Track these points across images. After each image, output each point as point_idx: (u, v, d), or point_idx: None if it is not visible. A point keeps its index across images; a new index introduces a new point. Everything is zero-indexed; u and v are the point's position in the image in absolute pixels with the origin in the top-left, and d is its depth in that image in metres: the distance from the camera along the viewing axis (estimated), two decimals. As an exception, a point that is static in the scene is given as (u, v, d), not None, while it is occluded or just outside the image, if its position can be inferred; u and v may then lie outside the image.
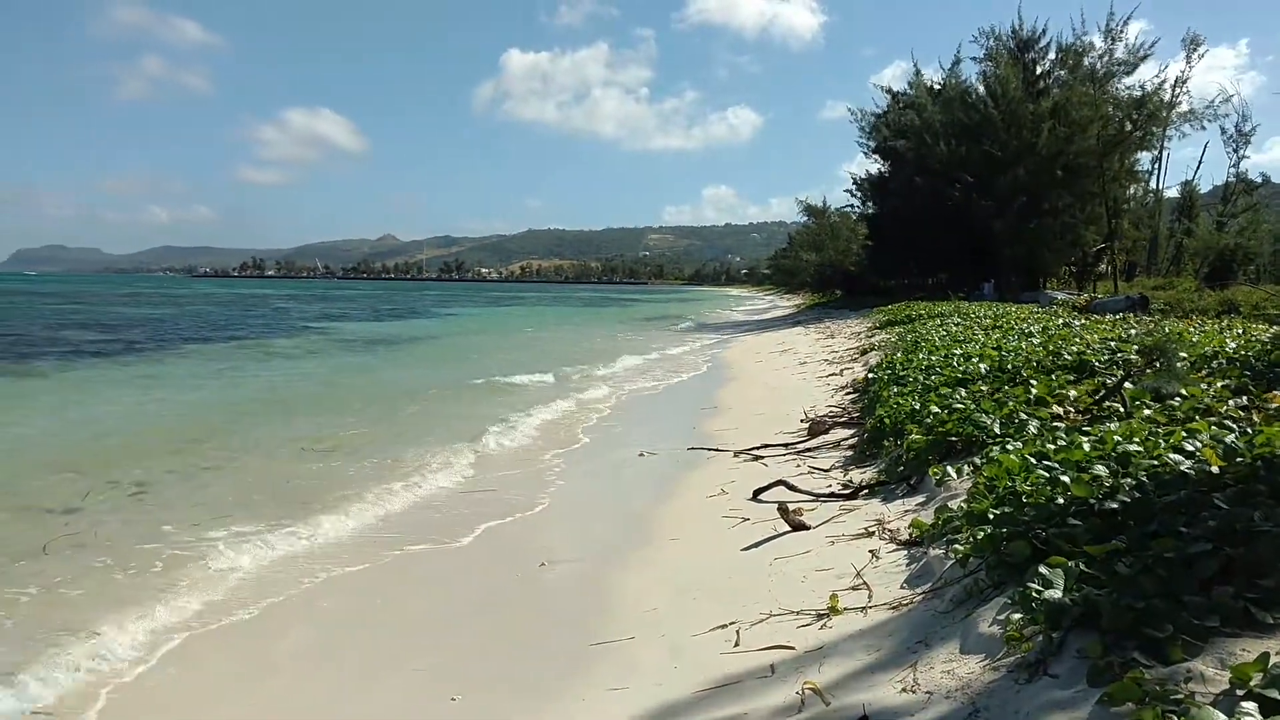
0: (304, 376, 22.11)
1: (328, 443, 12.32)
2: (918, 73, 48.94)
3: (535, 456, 11.49)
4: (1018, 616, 3.57)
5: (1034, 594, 3.59)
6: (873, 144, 52.06)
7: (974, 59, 45.36)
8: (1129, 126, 39.83)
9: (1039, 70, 43.39)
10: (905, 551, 5.65)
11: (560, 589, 6.50)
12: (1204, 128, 41.17)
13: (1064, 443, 5.96)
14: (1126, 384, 7.90)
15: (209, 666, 5.33)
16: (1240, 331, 12.63)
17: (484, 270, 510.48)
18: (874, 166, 54.97)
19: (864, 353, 20.26)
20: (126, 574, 6.80)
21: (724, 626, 5.06)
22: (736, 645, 4.76)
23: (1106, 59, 39.84)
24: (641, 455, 11.26)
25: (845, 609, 4.87)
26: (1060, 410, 7.86)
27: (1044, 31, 43.48)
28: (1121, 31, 39.05)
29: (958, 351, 12.67)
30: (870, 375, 13.45)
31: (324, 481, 9.90)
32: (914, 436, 7.98)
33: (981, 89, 43.68)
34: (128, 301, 74.79)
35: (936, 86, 47.62)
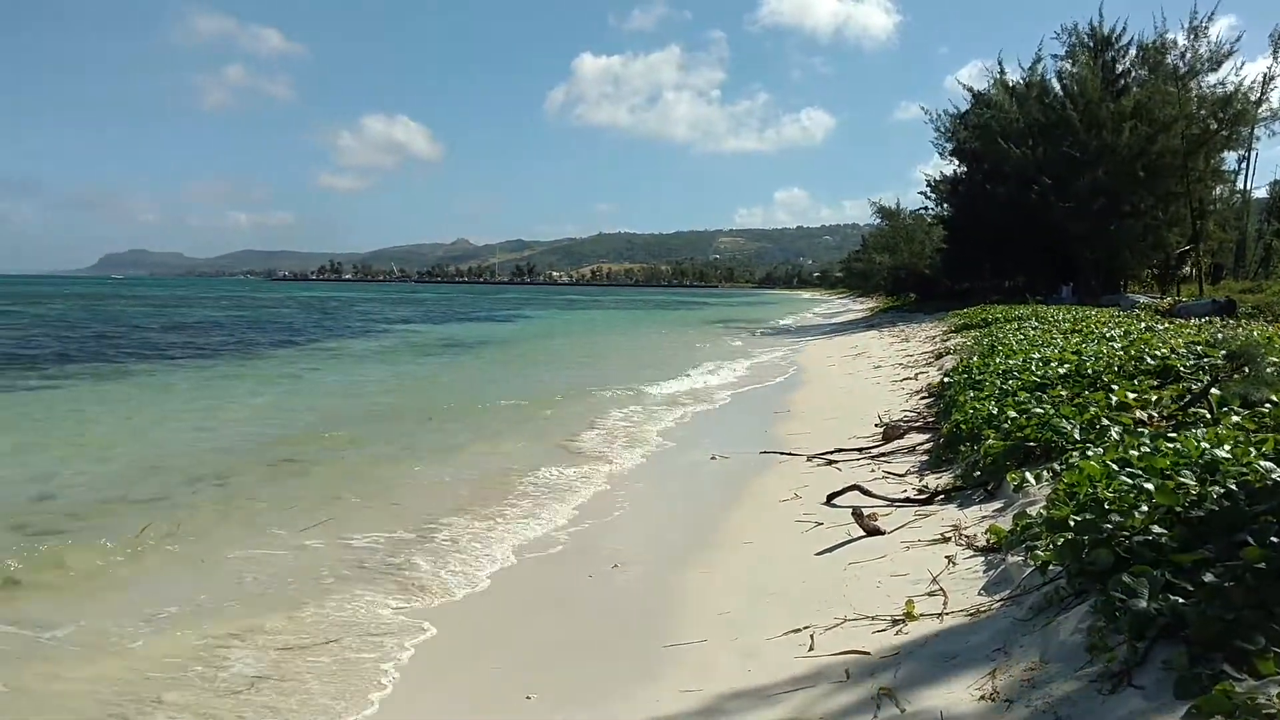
0: (396, 378, 22.54)
1: (421, 444, 12.55)
2: (1002, 71, 47.98)
3: (609, 458, 11.55)
4: (1101, 625, 3.50)
5: (1118, 603, 3.52)
6: (949, 145, 51.26)
7: (1054, 56, 44.45)
8: (1214, 125, 38.66)
9: (1119, 69, 42.34)
10: (983, 558, 5.57)
11: (633, 590, 6.53)
12: (1294, 126, 39.78)
13: (1148, 449, 5.82)
14: (1213, 390, 7.69)
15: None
16: (1334, 336, 12.20)
17: (555, 274, 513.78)
18: (949, 168, 54.17)
19: (939, 357, 19.99)
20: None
21: (798, 630, 5.05)
22: (810, 649, 4.75)
23: (1189, 56, 38.77)
24: (714, 459, 11.25)
25: (921, 615, 4.82)
26: (1143, 416, 7.68)
27: (1125, 29, 42.44)
28: (1205, 28, 37.98)
29: (1036, 356, 12.44)
30: (946, 379, 13.27)
31: (423, 484, 10.08)
32: (991, 442, 7.86)
33: (1059, 88, 42.76)
34: (211, 304, 76.76)
35: (1016, 85, 46.67)
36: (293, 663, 5.29)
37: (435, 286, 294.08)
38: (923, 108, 51.87)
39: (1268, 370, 8.20)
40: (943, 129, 51.25)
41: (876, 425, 11.77)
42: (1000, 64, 47.83)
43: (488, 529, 8.15)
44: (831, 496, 8.15)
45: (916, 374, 17.94)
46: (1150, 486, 4.77)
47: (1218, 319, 19.84)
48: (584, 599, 6.41)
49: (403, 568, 7.02)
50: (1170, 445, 5.73)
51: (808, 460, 10.41)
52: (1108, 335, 14.84)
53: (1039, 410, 8.33)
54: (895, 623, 4.82)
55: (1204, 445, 5.55)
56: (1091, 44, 42.34)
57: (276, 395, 18.88)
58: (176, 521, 8.36)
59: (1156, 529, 4.17)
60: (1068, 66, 42.33)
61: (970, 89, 49.93)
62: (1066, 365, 10.84)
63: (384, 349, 32.98)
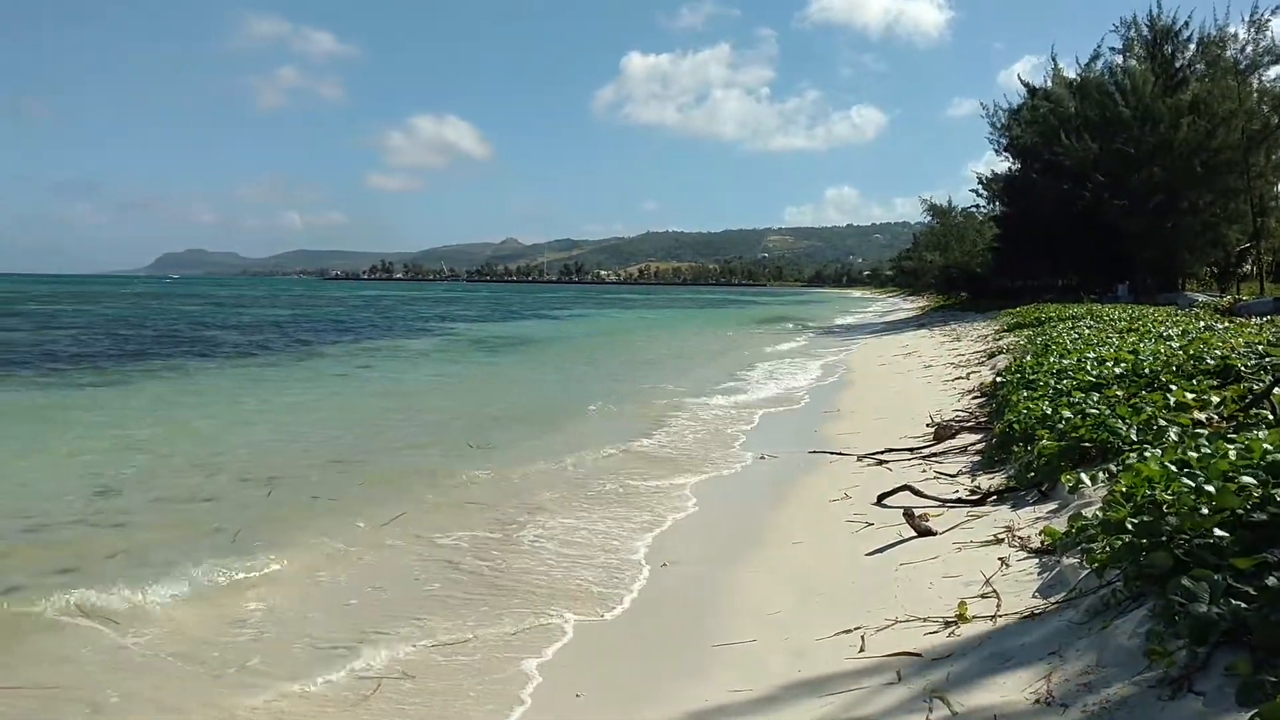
0: (456, 377, 22.74)
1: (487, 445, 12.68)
2: (1055, 67, 47.30)
3: (656, 458, 11.55)
4: (1160, 630, 3.44)
5: (1178, 607, 3.45)
6: (1004, 141, 50.63)
7: (1111, 49, 43.73)
8: (1276, 120, 37.82)
9: (1178, 63, 41.53)
10: (1037, 560, 5.49)
11: (682, 590, 6.52)
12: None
13: (1207, 451, 5.70)
14: (1275, 390, 7.52)
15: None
16: (1402, 335, 11.87)
17: (603, 273, 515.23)
18: (1002, 165, 53.53)
19: (991, 356, 19.75)
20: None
21: (848, 631, 5.01)
22: (861, 650, 4.71)
23: (1250, 50, 37.97)
24: (762, 458, 11.22)
25: (974, 617, 4.76)
26: (1202, 417, 7.51)
27: (1186, 23, 41.58)
28: (1267, 21, 37.17)
29: (1091, 355, 12.23)
30: (998, 379, 13.11)
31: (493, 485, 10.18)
32: (1045, 442, 7.74)
33: (1115, 83, 42.05)
34: (270, 303, 77.97)
35: (1072, 80, 45.95)
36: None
37: (485, 285, 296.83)
38: (981, 103, 51.16)
39: (1333, 370, 8.01)
40: (998, 124, 50.66)
41: (927, 425, 11.66)
42: (1054, 59, 47.18)
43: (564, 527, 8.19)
44: (882, 496, 8.08)
45: (968, 373, 17.74)
46: (1211, 489, 4.67)
47: (1280, 318, 19.39)
48: (634, 598, 6.41)
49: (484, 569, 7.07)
50: (1231, 447, 5.61)
51: (858, 460, 10.34)
52: (1165, 334, 14.57)
53: (1094, 410, 8.19)
54: (947, 624, 4.76)
55: (1267, 447, 5.42)
56: (1150, 38, 41.62)
57: (349, 392, 19.17)
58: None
59: (1218, 532, 4.08)
60: (1124, 61, 41.65)
61: (1027, 84, 49.28)
62: (1123, 365, 10.65)
63: (444, 347, 33.33)
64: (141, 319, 48.23)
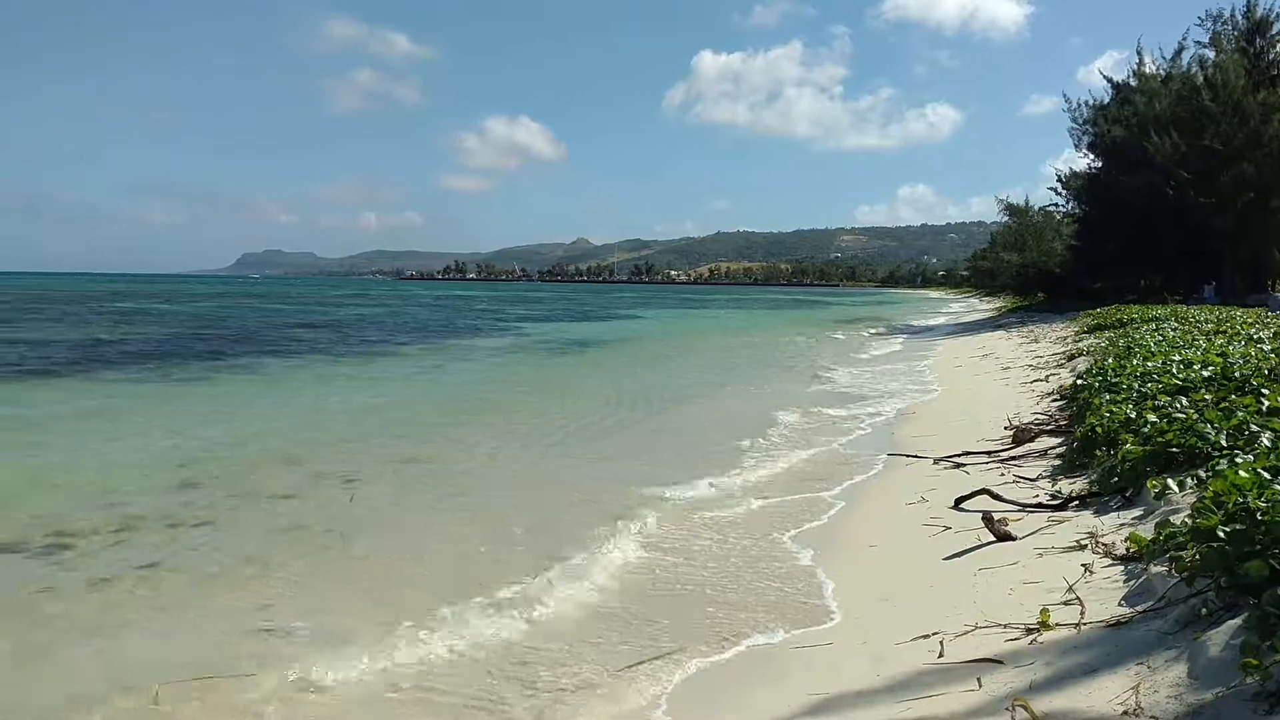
0: (535, 376, 22.98)
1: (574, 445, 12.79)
2: (1140, 61, 46.09)
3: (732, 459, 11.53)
4: (1255, 642, 3.33)
5: (1274, 618, 3.35)
6: (1086, 138, 49.49)
7: (1197, 43, 42.49)
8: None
9: (1270, 56, 40.20)
10: (1122, 567, 5.37)
11: (761, 591, 6.49)
12: None
13: (1303, 457, 5.51)
14: (1375, 395, 7.25)
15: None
16: None
17: (673, 273, 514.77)
18: (1082, 162, 52.35)
19: (1071, 358, 19.34)
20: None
21: (927, 636, 4.95)
22: (941, 656, 4.65)
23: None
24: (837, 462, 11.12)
25: (1056, 624, 4.66)
26: (1297, 422, 7.27)
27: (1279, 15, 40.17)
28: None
29: (1176, 358, 11.91)
30: (1079, 381, 12.81)
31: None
32: (1129, 447, 7.55)
33: (1201, 78, 40.83)
34: (347, 303, 79.47)
35: (1156, 75, 44.73)
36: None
37: (556, 285, 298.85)
38: (1064, 95, 50.17)
39: None
40: (1080, 120, 49.55)
41: (1005, 428, 11.46)
42: (1139, 53, 45.96)
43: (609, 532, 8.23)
44: (960, 500, 7.96)
45: (1047, 375, 17.39)
46: (1307, 496, 4.52)
47: (1377, 320, 18.67)
48: (711, 598, 6.40)
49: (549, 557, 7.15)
50: (1328, 453, 5.42)
51: (934, 463, 10.20)
52: (1256, 337, 14.13)
53: (1181, 414, 7.97)
54: (1029, 631, 4.67)
55: (1366, 454, 5.24)
56: (1242, 30, 40.35)
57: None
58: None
59: (1316, 542, 3.95)
60: (1212, 55, 40.42)
61: (1110, 79, 48.12)
62: (1211, 368, 10.35)
63: (516, 346, 33.65)
64: (231, 318, 49.56)
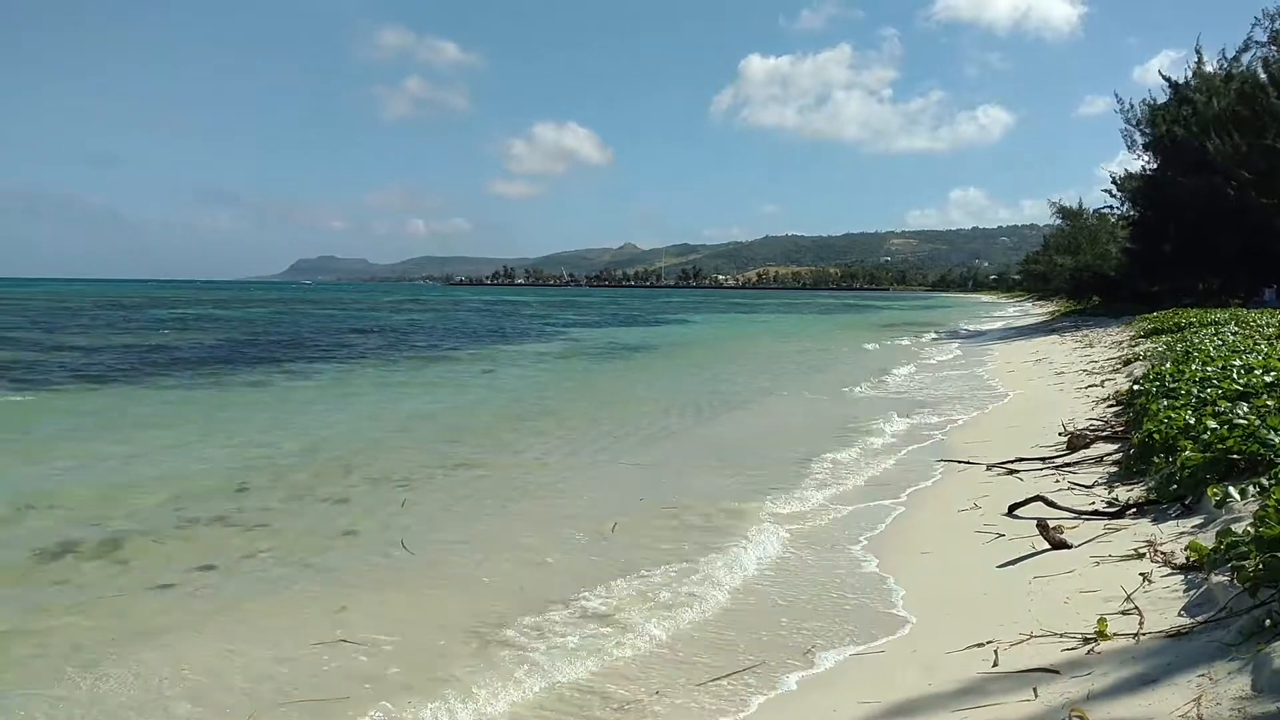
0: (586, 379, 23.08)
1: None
2: (1199, 60, 45.16)
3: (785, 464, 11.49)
4: (1322, 654, 3.26)
5: (1341, 630, 3.27)
6: (1141, 139, 48.60)
7: (1258, 42, 41.56)
8: None
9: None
10: (1181, 576, 5.27)
11: (812, 598, 6.46)
12: None
13: (1370, 465, 5.39)
14: None
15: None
16: None
17: (721, 277, 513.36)
18: (1136, 164, 51.40)
19: (1127, 363, 19.02)
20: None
21: (980, 645, 4.89)
22: (995, 665, 4.59)
23: None
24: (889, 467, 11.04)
25: (1114, 634, 4.58)
26: (1364, 429, 7.10)
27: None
28: None
29: (1237, 363, 11.67)
30: (1136, 387, 12.60)
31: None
32: (1188, 454, 7.41)
33: (1265, 77, 39.91)
34: (398, 308, 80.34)
35: (1215, 74, 43.80)
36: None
37: (605, 290, 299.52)
38: (1116, 95, 49.09)
39: None
40: (1134, 121, 48.68)
41: (1060, 434, 11.29)
42: (1198, 51, 45.02)
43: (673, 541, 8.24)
44: (1013, 507, 7.87)
45: (1102, 381, 17.12)
46: (1375, 505, 4.41)
47: None
48: (762, 608, 6.38)
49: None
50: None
51: (987, 469, 10.08)
52: (1319, 341, 13.81)
53: (1242, 420, 7.81)
54: (1086, 641, 4.60)
55: None
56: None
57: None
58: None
59: (1384, 552, 3.85)
60: (1273, 52, 39.53)
61: (1168, 78, 47.22)
62: (1273, 373, 10.13)
63: (566, 351, 33.80)
64: (284, 323, 50.36)
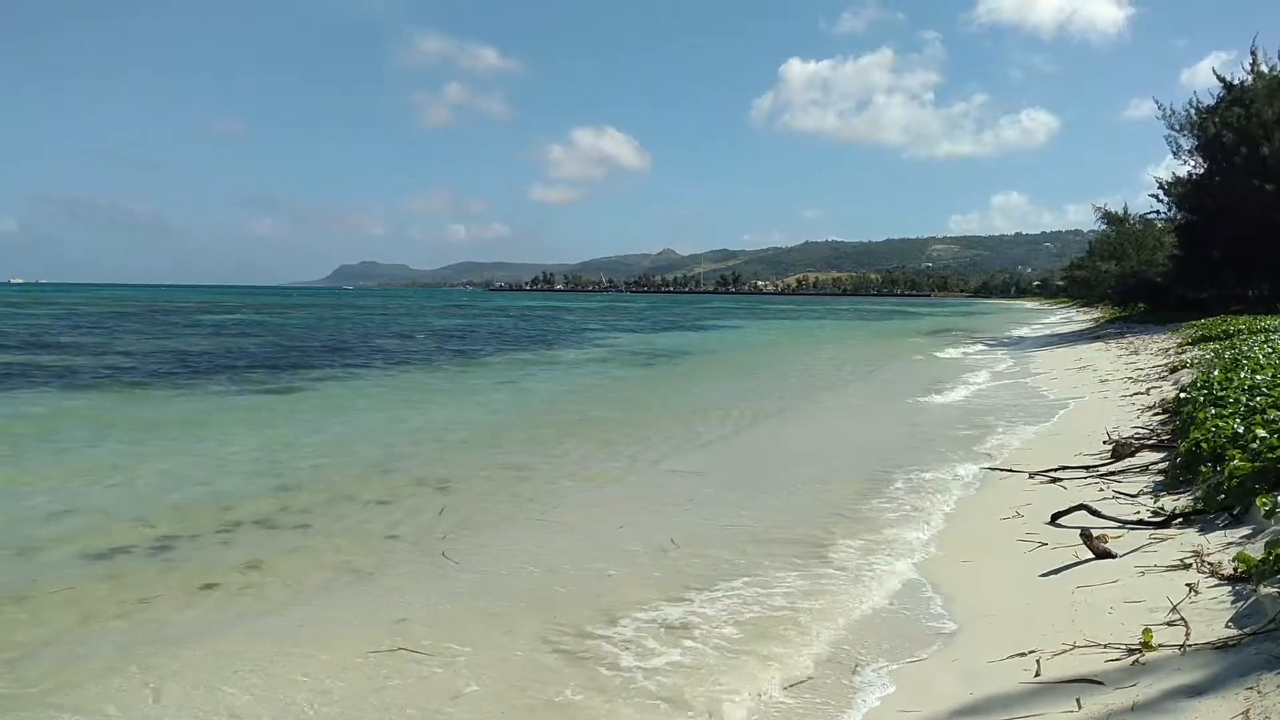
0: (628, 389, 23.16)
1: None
2: (1254, 61, 44.39)
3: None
4: (1373, 667, 3.20)
5: (1393, 643, 3.21)
6: (1186, 144, 47.80)
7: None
8: None
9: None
10: (1229, 587, 5.18)
11: (850, 605, 6.43)
12: None
13: None
14: None
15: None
16: None
17: (760, 283, 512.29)
18: (1183, 168, 50.54)
19: (1173, 370, 18.74)
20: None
21: (1023, 655, 4.84)
22: (1037, 675, 4.55)
23: None
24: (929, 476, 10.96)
25: (1160, 645, 4.52)
26: None
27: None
28: None
29: (1288, 371, 11.48)
30: (1183, 395, 12.42)
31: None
32: (1237, 463, 7.29)
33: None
34: (439, 314, 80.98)
35: (1269, 74, 42.99)
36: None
37: (644, 295, 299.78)
38: (1156, 100, 48.18)
39: None
40: (1178, 125, 47.89)
41: (1105, 442, 11.15)
42: (1253, 52, 44.21)
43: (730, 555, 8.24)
44: (1056, 516, 7.78)
45: (1148, 389, 16.88)
46: None
47: None
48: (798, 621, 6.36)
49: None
50: None
51: (1029, 477, 9.97)
52: (1372, 349, 13.54)
53: (1293, 430, 7.68)
54: (1131, 652, 4.54)
55: None
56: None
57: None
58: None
59: None
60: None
61: (1222, 79, 46.44)
62: (1325, 382, 9.95)
63: (603, 356, 33.88)
64: (326, 328, 50.97)
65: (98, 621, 6.23)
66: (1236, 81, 44.96)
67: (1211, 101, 46.05)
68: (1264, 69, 43.82)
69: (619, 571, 7.24)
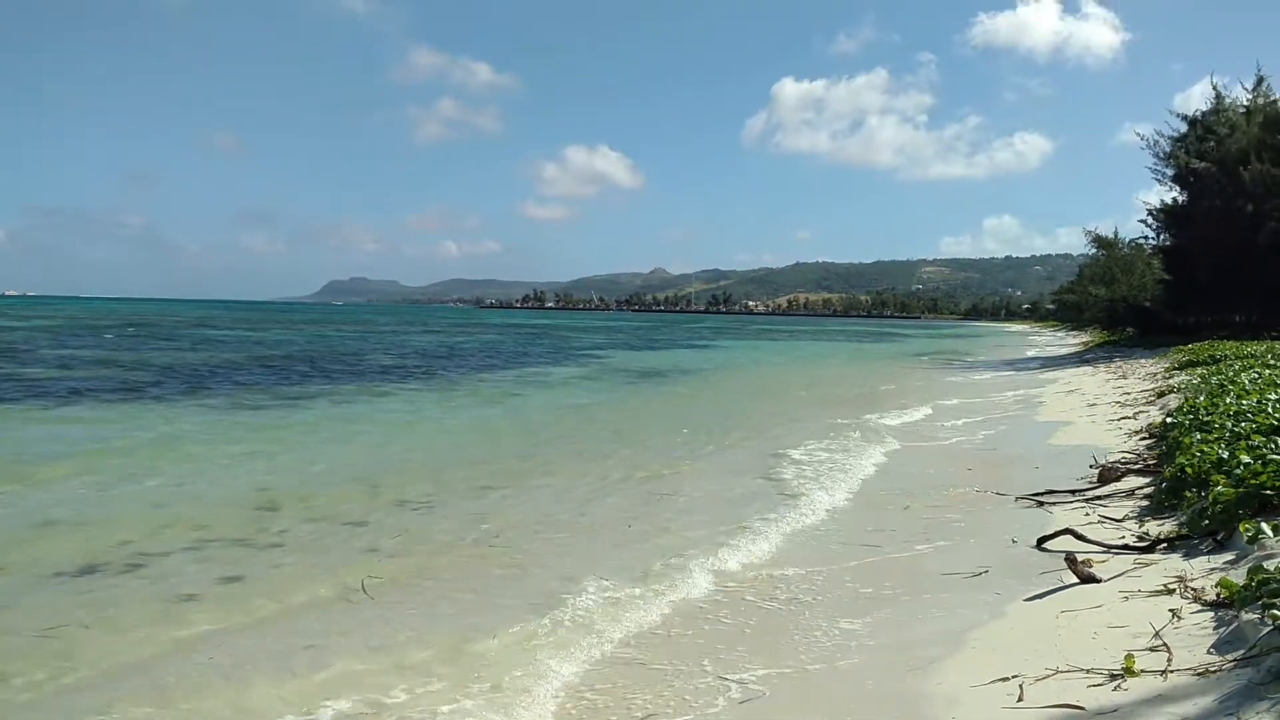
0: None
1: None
2: (1218, 97, 45.18)
3: (810, 494, 11.44)
4: (1353, 695, 3.20)
5: (1372, 672, 3.21)
6: (1168, 172, 48.25)
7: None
8: None
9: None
10: (1212, 613, 5.19)
11: (833, 629, 6.42)
12: None
13: (1407, 503, 5.29)
14: None
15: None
16: None
17: (750, 303, 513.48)
18: (1170, 195, 50.95)
19: (1160, 395, 18.81)
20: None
21: (1005, 679, 4.83)
22: (1020, 700, 4.53)
23: None
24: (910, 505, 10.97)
25: (1142, 671, 4.52)
26: (1401, 466, 6.98)
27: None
28: None
29: (1273, 396, 11.52)
30: (1169, 419, 12.46)
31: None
32: (1221, 488, 7.30)
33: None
34: (429, 331, 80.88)
35: (1245, 106, 43.54)
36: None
37: (635, 314, 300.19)
38: (1138, 133, 48.71)
39: None
40: (1160, 155, 48.36)
41: (1091, 466, 11.18)
42: (1214, 86, 45.13)
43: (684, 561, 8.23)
44: (1042, 540, 7.79)
45: (1135, 413, 16.93)
46: None
47: None
48: (782, 646, 6.35)
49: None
50: None
51: (1015, 501, 9.99)
52: (1357, 376, 13.61)
53: (1277, 456, 7.70)
54: (1113, 677, 4.53)
55: None
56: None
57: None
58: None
59: None
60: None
61: (1184, 117, 47.25)
62: (1310, 408, 9.99)
63: (593, 374, 33.88)
64: (315, 344, 50.85)
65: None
66: (1205, 111, 45.80)
67: (1184, 129, 46.83)
68: (1237, 99, 44.61)
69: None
